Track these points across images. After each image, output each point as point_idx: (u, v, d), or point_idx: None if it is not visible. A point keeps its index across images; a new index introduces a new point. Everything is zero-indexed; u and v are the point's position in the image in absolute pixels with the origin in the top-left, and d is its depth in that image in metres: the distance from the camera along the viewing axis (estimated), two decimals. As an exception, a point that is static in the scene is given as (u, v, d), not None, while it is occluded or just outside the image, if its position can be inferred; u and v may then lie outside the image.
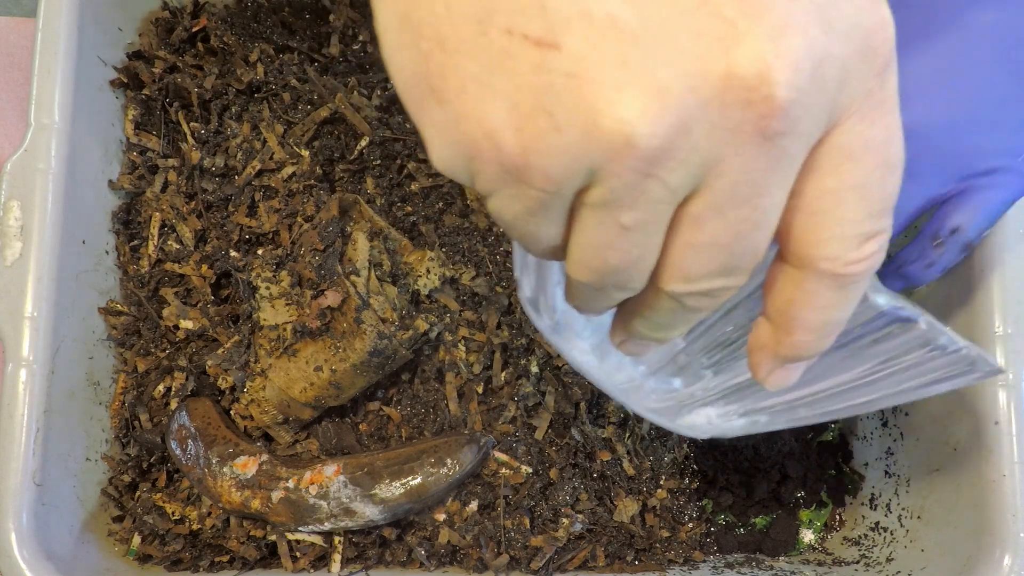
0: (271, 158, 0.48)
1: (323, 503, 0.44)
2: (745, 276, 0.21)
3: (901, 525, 0.49)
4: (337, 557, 0.46)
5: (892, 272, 0.41)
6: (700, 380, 0.36)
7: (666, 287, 0.22)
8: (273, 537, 0.46)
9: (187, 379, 0.48)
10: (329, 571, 0.45)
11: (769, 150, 0.19)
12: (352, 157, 0.49)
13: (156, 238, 0.49)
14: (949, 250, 0.38)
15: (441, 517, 0.46)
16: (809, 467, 0.52)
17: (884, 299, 0.27)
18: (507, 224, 0.22)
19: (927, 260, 0.39)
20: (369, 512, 0.44)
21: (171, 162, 0.49)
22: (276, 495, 0.44)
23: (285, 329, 0.44)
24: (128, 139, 0.49)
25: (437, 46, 0.19)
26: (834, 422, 0.55)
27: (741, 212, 0.20)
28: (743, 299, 0.32)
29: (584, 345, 0.37)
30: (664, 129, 0.18)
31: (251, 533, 0.46)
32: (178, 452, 0.45)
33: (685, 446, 0.51)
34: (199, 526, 0.46)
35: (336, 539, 0.46)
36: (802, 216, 0.21)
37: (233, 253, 0.48)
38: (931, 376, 0.30)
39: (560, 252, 0.23)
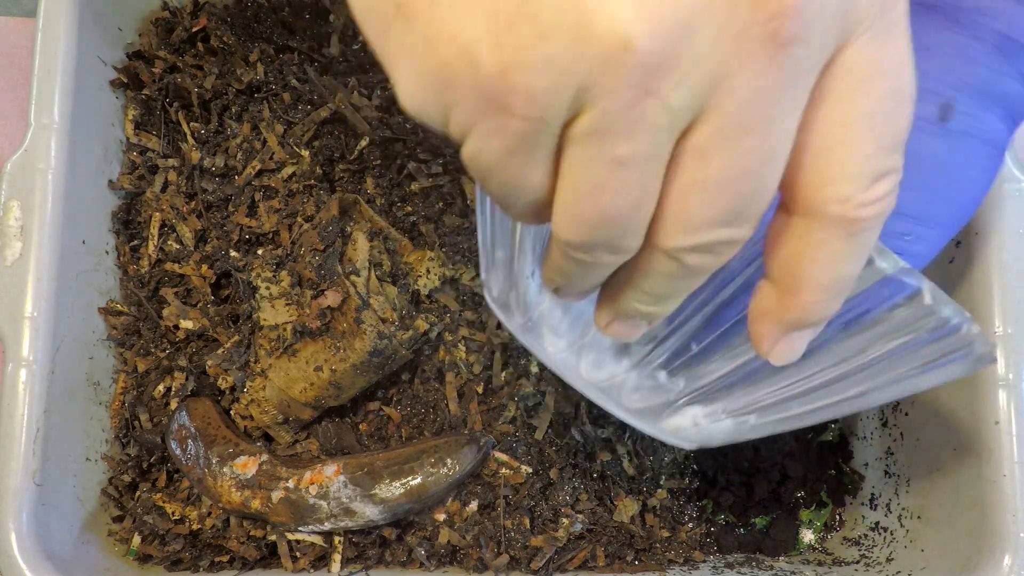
0: (271, 158, 0.48)
1: (323, 503, 0.44)
2: (751, 227, 0.19)
3: (901, 525, 0.49)
4: (337, 557, 0.46)
5: None
6: (688, 372, 0.35)
7: (665, 242, 0.20)
8: (273, 537, 0.46)
9: (187, 379, 0.48)
10: (329, 571, 0.45)
11: (782, 62, 0.17)
12: (352, 157, 0.49)
13: (156, 238, 0.49)
14: None
15: (441, 517, 0.46)
16: (809, 467, 0.52)
17: (888, 263, 0.25)
18: (485, 172, 0.19)
19: None
20: (369, 512, 0.44)
21: (171, 162, 0.49)
22: (276, 495, 0.44)
23: (285, 329, 0.44)
24: (128, 139, 0.49)
25: None
26: (834, 422, 0.55)
27: (751, 140, 0.18)
28: (737, 269, 0.29)
29: (561, 343, 0.35)
30: (664, 31, 0.16)
31: (251, 533, 0.46)
32: (178, 452, 0.45)
33: (685, 446, 0.51)
34: (199, 526, 0.46)
35: (336, 539, 0.46)
36: (810, 154, 0.19)
37: (233, 253, 0.48)
38: (925, 360, 0.28)
39: (545, 209, 0.20)
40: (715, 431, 0.34)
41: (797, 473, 0.52)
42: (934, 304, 0.26)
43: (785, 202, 0.21)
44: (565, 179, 0.19)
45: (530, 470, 0.47)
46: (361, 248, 0.45)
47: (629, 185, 0.18)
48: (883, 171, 0.19)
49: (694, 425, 0.34)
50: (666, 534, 0.49)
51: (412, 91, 0.18)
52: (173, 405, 0.47)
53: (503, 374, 0.48)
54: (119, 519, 0.47)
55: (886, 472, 0.51)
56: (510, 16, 0.16)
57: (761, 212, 0.19)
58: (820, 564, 0.50)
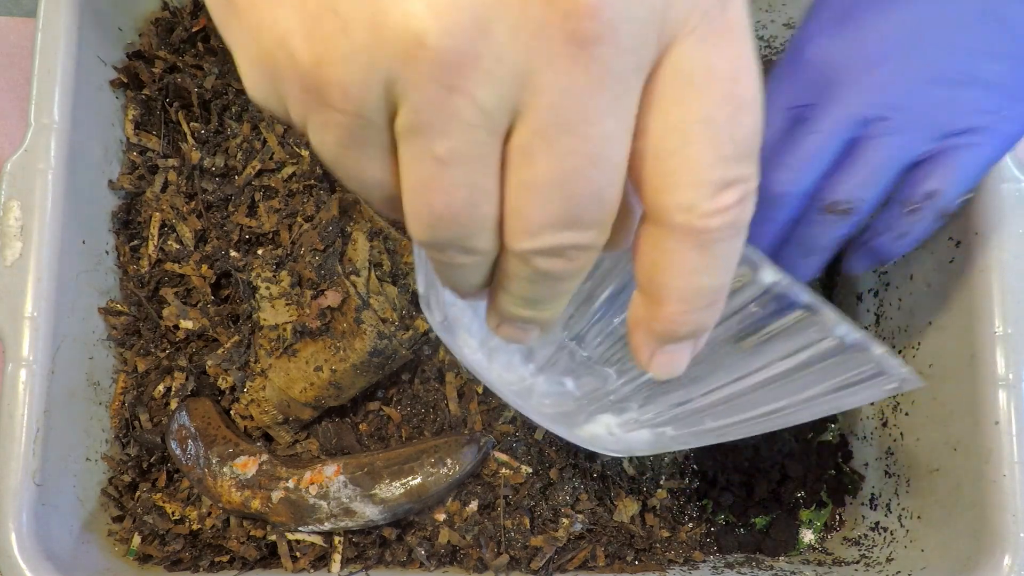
0: (271, 158, 0.48)
1: (323, 503, 0.44)
2: (597, 231, 0.19)
3: (901, 525, 0.49)
4: (337, 557, 0.46)
5: (860, 246, 0.38)
6: (595, 380, 0.34)
7: (511, 244, 0.19)
8: (273, 537, 0.46)
9: (187, 379, 0.48)
10: (329, 571, 0.45)
11: (588, 63, 0.16)
12: (352, 157, 0.49)
13: (156, 238, 0.49)
14: (924, 217, 0.35)
15: (441, 517, 0.46)
16: (809, 467, 0.52)
17: (771, 276, 0.24)
18: (330, 165, 0.19)
19: (899, 230, 0.35)
20: (369, 512, 0.44)
21: (171, 162, 0.49)
22: (276, 495, 0.44)
23: (285, 329, 0.44)
24: (128, 139, 0.49)
25: None
26: (833, 421, 0.55)
27: (571, 142, 0.17)
28: (630, 280, 0.28)
29: (473, 342, 0.34)
30: (457, 28, 0.16)
31: (251, 533, 0.46)
32: (178, 452, 0.45)
33: (685, 446, 0.51)
34: (199, 526, 0.46)
35: (336, 539, 0.46)
36: (650, 160, 0.18)
37: (233, 253, 0.48)
38: (838, 380, 0.26)
39: (399, 204, 0.20)
40: (633, 441, 0.33)
41: (797, 473, 0.52)
42: (825, 321, 0.24)
43: (644, 209, 0.20)
44: (401, 177, 0.18)
45: (530, 470, 0.47)
46: (361, 248, 0.45)
47: (457, 184, 0.18)
48: (728, 180, 0.18)
49: (609, 434, 0.33)
50: (666, 534, 0.49)
51: (251, 81, 0.18)
52: (173, 405, 0.47)
53: (503, 374, 0.48)
54: (119, 519, 0.47)
55: (886, 472, 0.51)
56: (316, 9, 0.16)
57: (605, 217, 0.19)
58: (820, 564, 0.50)
